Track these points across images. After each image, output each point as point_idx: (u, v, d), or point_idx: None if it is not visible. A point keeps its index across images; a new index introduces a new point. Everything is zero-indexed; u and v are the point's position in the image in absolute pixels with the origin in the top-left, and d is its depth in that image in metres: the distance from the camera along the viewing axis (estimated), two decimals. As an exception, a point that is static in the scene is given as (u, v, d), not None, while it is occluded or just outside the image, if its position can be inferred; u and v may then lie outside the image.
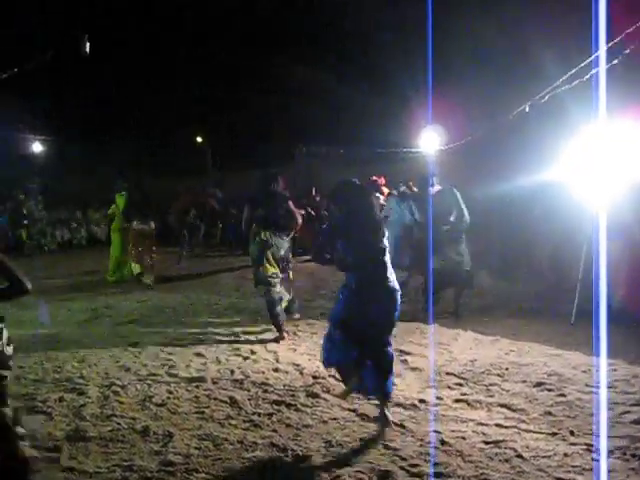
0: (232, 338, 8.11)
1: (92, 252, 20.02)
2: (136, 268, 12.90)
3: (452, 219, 8.88)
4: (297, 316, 8.87)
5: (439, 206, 8.88)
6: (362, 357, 5.10)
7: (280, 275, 8.18)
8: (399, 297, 5.19)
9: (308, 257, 16.17)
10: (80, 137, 25.39)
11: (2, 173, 24.65)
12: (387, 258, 5.19)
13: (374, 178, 16.76)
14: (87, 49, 11.47)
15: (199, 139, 31.24)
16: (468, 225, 9.01)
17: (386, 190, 15.98)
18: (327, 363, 5.39)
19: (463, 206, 8.96)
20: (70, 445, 4.73)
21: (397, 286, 5.19)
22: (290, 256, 8.54)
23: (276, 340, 7.93)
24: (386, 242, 5.26)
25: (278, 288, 8.12)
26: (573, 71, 8.20)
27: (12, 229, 22.32)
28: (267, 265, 8.04)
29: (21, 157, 24.22)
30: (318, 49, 25.27)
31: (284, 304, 8.21)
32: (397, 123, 19.04)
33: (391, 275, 5.18)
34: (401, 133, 18.46)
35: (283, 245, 8.24)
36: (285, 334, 8.10)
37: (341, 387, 5.92)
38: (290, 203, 8.37)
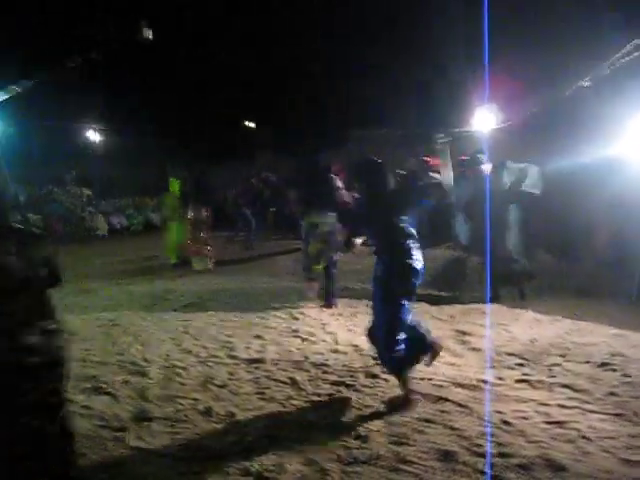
0: (290, 320, 8.17)
1: (149, 238, 20.34)
2: (195, 261, 13.16)
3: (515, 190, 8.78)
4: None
5: (496, 184, 8.76)
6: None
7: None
8: (418, 277, 5.11)
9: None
10: (136, 125, 25.69)
11: (62, 163, 25.26)
12: (410, 240, 5.11)
13: (426, 158, 16.64)
14: (149, 35, 11.52)
15: (251, 124, 31.39)
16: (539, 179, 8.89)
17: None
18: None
19: (523, 168, 8.84)
20: (136, 425, 4.84)
21: (419, 265, 5.09)
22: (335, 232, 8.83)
23: (326, 306, 8.62)
24: (408, 223, 5.17)
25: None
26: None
27: (68, 216, 22.83)
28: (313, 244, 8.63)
29: (80, 146, 24.66)
30: (369, 29, 25.06)
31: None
32: (451, 103, 18.80)
33: (415, 256, 5.08)
34: (456, 113, 18.23)
35: (327, 221, 8.74)
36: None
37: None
38: (337, 181, 8.59)
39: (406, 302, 5.04)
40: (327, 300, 8.94)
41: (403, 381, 5.10)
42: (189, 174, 15.69)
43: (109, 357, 6.82)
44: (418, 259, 5.09)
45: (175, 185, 13.93)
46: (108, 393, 5.63)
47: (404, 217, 5.16)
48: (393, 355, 5.01)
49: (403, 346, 5.02)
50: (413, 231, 5.17)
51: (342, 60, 25.12)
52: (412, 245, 5.10)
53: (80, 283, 11.59)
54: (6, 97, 11.99)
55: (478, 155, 9.06)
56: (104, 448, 4.48)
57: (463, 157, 11.85)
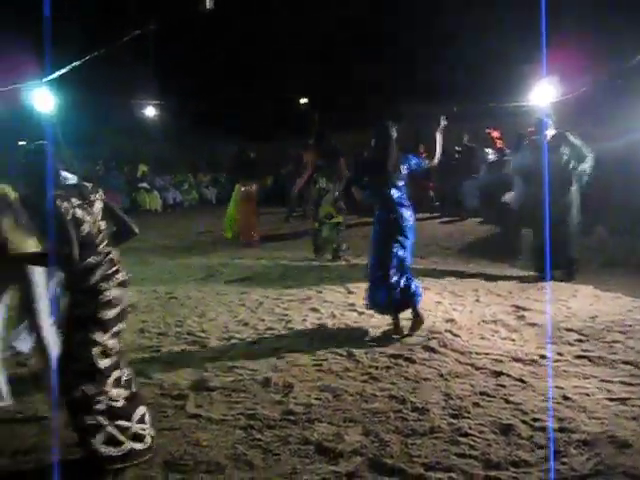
0: (346, 294, 8.18)
1: (203, 213, 20.51)
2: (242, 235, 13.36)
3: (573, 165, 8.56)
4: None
5: (554, 153, 8.53)
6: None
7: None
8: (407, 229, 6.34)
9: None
10: (191, 102, 25.83)
11: (119, 139, 25.59)
12: (397, 195, 6.31)
13: (488, 130, 16.45)
14: (211, 4, 11.50)
15: (304, 100, 31.31)
16: (591, 167, 8.63)
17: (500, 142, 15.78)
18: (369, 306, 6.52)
19: (582, 146, 8.60)
20: (195, 394, 4.91)
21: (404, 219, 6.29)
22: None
23: None
24: (397, 184, 6.35)
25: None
26: None
27: (128, 191, 23.16)
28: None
29: (136, 122, 24.90)
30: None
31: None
32: (509, 77, 18.49)
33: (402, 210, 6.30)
34: (514, 86, 17.93)
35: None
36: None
37: (458, 342, 5.92)
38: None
39: (398, 249, 6.23)
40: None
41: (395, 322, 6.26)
42: (239, 150, 15.82)
43: (167, 328, 6.94)
44: (405, 217, 6.29)
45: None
46: (167, 362, 5.73)
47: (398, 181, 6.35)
48: (390, 291, 6.17)
49: (397, 286, 6.18)
50: (399, 194, 6.34)
51: (400, 32, 24.85)
52: (399, 204, 6.30)
53: (136, 256, 11.78)
54: (63, 72, 12.17)
55: (542, 119, 8.86)
56: (164, 415, 4.57)
57: (530, 129, 11.69)
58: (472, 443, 3.92)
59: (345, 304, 7.61)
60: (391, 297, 6.19)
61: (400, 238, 6.26)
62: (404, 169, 6.38)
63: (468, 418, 4.27)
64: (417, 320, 6.28)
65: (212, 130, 27.05)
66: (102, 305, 3.74)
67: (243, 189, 13.47)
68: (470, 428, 4.11)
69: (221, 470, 3.74)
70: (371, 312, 7.11)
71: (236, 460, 3.84)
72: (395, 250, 6.22)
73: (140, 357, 5.93)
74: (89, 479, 3.78)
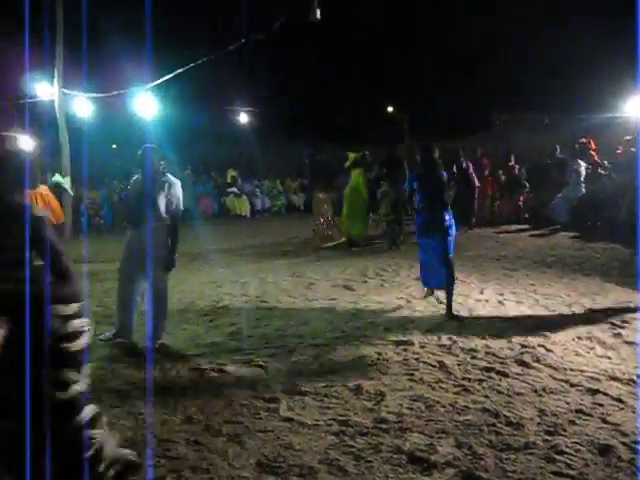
0: (436, 303, 8.12)
1: (291, 219, 20.70)
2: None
3: None
4: None
5: None
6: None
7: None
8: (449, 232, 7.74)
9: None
10: (282, 109, 26.18)
11: (208, 144, 26.13)
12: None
13: (583, 140, 16.11)
14: (318, 15, 11.63)
15: (390, 108, 31.30)
16: None
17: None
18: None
19: None
20: (287, 397, 4.97)
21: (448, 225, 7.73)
22: None
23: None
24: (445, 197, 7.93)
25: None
26: None
27: (217, 196, 23.60)
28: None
29: (227, 128, 25.38)
30: (516, 14, 24.33)
31: None
32: (602, 88, 18.08)
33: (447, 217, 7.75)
34: (607, 98, 17.52)
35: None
36: None
37: (552, 358, 5.81)
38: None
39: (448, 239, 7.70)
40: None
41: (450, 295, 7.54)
42: (311, 157, 16.44)
43: (257, 331, 7.03)
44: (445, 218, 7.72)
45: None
46: (259, 366, 5.82)
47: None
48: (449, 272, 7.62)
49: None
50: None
51: (488, 42, 24.57)
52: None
53: (226, 260, 12.03)
54: (164, 80, 12.55)
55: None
56: (257, 417, 4.64)
57: (627, 137, 11.50)
58: (569, 462, 3.84)
59: (436, 315, 7.56)
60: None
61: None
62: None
63: (564, 436, 4.18)
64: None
65: (304, 136, 27.32)
66: None
67: (320, 196, 14.01)
68: (566, 446, 4.02)
69: (314, 474, 3.77)
70: (462, 323, 7.08)
71: (329, 465, 3.87)
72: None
73: (232, 359, 6.04)
74: (177, 476, 3.86)
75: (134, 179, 6.78)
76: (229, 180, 24.90)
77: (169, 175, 6.63)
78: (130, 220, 6.77)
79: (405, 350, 6.13)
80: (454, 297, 7.61)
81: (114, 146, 28.28)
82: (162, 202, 6.40)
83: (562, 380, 5.24)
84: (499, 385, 5.15)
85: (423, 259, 8.18)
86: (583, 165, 15.81)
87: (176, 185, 6.56)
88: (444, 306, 7.86)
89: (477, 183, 16.79)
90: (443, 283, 7.71)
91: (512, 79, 24.44)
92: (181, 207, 6.60)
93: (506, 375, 5.36)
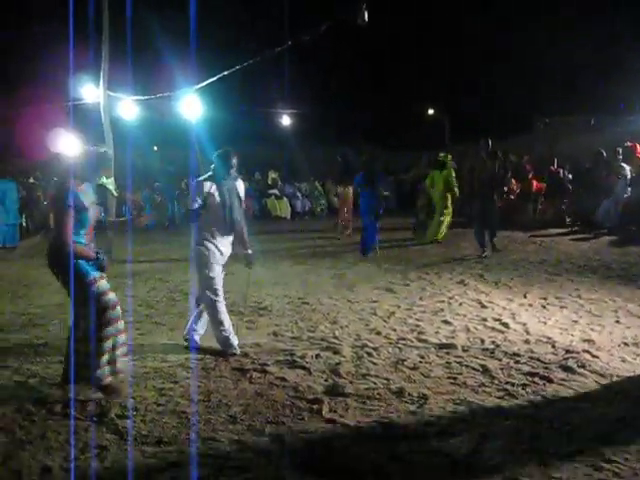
0: (479, 308, 8.07)
1: (331, 221, 20.69)
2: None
3: None
4: None
5: None
6: None
7: None
8: None
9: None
10: (323, 110, 26.23)
11: (249, 146, 26.29)
12: None
13: (628, 144, 15.89)
14: (365, 17, 11.65)
15: (431, 111, 31.16)
16: None
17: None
18: None
19: None
20: (330, 399, 4.97)
21: None
22: None
23: None
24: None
25: None
26: None
27: (258, 198, 23.74)
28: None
29: (268, 130, 25.52)
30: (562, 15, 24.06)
31: None
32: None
33: None
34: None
35: None
36: None
37: (597, 364, 5.72)
38: None
39: None
40: None
41: None
42: (341, 157, 17.12)
43: (300, 333, 7.06)
44: None
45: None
46: (301, 367, 5.83)
47: None
48: None
49: None
50: None
51: (533, 43, 24.33)
52: None
53: (267, 261, 12.08)
54: (209, 82, 12.64)
55: None
56: (300, 417, 4.65)
57: (629, 143, 11.58)
58: (616, 470, 3.77)
59: (478, 318, 7.50)
60: None
61: None
62: None
63: (611, 444, 4.11)
64: None
65: (345, 138, 27.34)
66: None
67: (340, 189, 16.25)
68: (613, 455, 3.95)
69: (357, 477, 3.76)
70: (504, 327, 7.02)
71: (372, 468, 3.85)
72: None
73: (274, 360, 6.06)
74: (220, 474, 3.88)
75: (214, 188, 6.28)
76: (270, 182, 25.02)
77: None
78: (228, 226, 6.35)
79: (448, 353, 6.10)
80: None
81: (155, 148, 28.60)
82: (237, 204, 6.40)
83: (608, 386, 5.16)
84: (543, 390, 5.09)
85: None
86: (628, 169, 15.56)
87: (242, 183, 6.60)
88: (487, 309, 7.83)
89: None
90: None
91: (557, 81, 24.16)
92: (243, 205, 6.57)
93: (550, 380, 5.30)
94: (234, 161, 6.36)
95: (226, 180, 6.29)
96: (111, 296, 5.28)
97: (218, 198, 6.22)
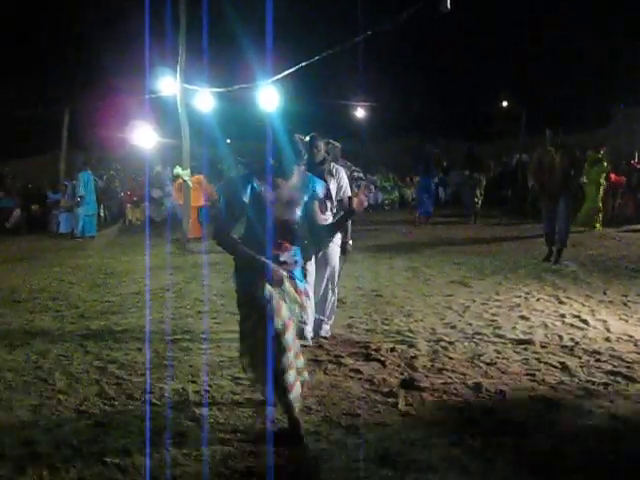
0: (557, 303, 7.89)
1: (404, 214, 20.61)
2: None
3: None
4: None
5: None
6: None
7: None
8: None
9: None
10: (397, 102, 26.10)
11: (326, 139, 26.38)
12: None
13: None
14: (448, 5, 11.49)
15: (505, 103, 30.63)
16: None
17: None
18: None
19: None
20: (405, 392, 4.93)
21: None
22: None
23: None
24: None
25: None
26: None
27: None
28: None
29: (344, 122, 25.51)
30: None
31: None
32: None
33: None
34: None
35: None
36: None
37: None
38: None
39: None
40: None
41: None
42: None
43: (374, 325, 7.05)
44: None
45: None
46: (376, 359, 5.80)
47: None
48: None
49: None
50: None
51: (610, 34, 23.64)
52: None
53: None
54: (286, 73, 12.69)
55: None
56: (376, 410, 4.63)
57: None
58: None
59: (556, 314, 7.34)
60: None
61: None
62: None
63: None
64: None
65: (420, 130, 27.20)
66: None
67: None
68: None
69: (434, 471, 3.72)
70: (584, 324, 6.84)
71: (449, 463, 3.81)
72: None
73: (349, 352, 6.06)
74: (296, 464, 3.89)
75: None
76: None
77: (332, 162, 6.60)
78: None
79: (525, 350, 5.98)
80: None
81: (228, 141, 28.89)
82: (333, 188, 6.39)
83: (694, 387, 4.98)
84: (626, 390, 4.94)
85: None
86: None
87: (341, 170, 6.57)
88: (565, 306, 7.67)
89: None
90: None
91: (636, 71, 23.41)
92: (348, 193, 6.48)
93: (634, 380, 5.13)
94: (323, 145, 6.46)
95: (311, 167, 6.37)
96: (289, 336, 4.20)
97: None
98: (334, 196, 6.40)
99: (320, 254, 6.40)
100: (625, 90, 23.30)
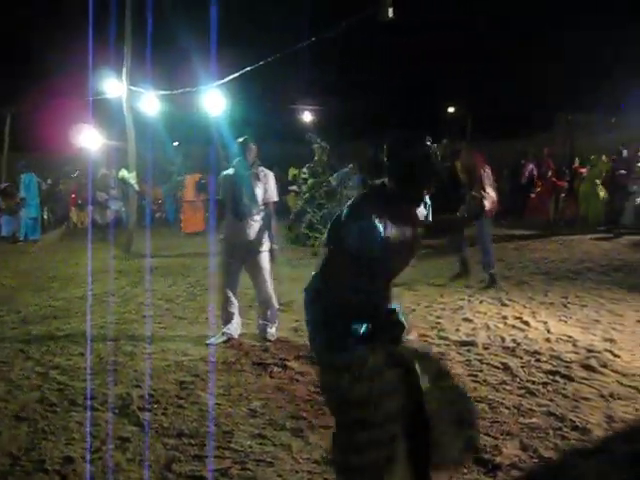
0: (499, 306, 8.04)
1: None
2: None
3: None
4: None
5: None
6: None
7: None
8: None
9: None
10: (343, 107, 26.22)
11: (268, 143, 26.34)
12: None
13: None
14: (390, 13, 11.60)
15: (451, 109, 31.08)
16: None
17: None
18: None
19: None
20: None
21: None
22: None
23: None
24: None
25: None
26: None
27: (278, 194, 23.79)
28: None
29: (291, 127, 25.57)
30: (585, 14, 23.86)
31: None
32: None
33: None
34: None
35: None
36: None
37: (619, 363, 5.69)
38: None
39: None
40: None
41: None
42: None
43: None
44: None
45: None
46: (320, 362, 5.83)
47: None
48: None
49: None
50: None
51: (551, 40, 24.16)
52: None
53: (286, 254, 12.15)
54: (231, 78, 12.68)
55: None
56: (320, 412, 4.63)
57: None
58: (638, 469, 3.76)
59: (499, 316, 7.48)
60: None
61: None
62: None
63: (633, 442, 4.10)
64: None
65: (366, 135, 27.40)
66: None
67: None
68: (635, 453, 3.93)
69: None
70: (525, 326, 6.98)
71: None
72: None
73: (295, 355, 6.08)
74: (241, 468, 3.90)
75: (225, 174, 6.70)
76: (290, 178, 25.03)
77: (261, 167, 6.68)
78: (233, 214, 6.56)
79: (468, 351, 6.08)
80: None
81: (176, 143, 28.71)
82: (260, 192, 6.48)
83: (630, 386, 5.11)
84: (564, 389, 5.06)
85: None
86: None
87: (270, 175, 6.65)
88: (508, 307, 7.81)
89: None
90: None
91: (579, 78, 23.97)
92: (275, 198, 6.64)
93: (571, 379, 5.27)
94: (253, 149, 6.55)
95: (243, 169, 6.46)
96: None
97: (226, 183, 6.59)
98: (260, 200, 6.46)
99: (251, 261, 6.48)
100: (571, 98, 23.84)
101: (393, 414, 2.84)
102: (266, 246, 6.60)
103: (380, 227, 2.92)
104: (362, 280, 3.02)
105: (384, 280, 3.19)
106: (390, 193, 3.04)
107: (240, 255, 6.52)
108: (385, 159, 3.04)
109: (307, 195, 10.12)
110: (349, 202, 3.07)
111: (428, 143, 3.03)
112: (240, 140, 6.57)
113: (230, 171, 6.64)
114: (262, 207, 6.52)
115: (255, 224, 6.48)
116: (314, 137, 10.78)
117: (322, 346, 3.11)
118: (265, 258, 6.60)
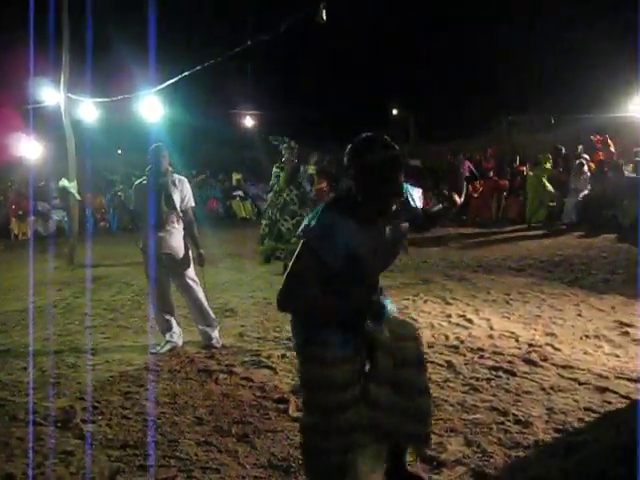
0: (443, 304, 8.13)
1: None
2: None
3: None
4: None
5: None
6: None
7: None
8: None
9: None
10: (285, 110, 26.19)
11: (212, 148, 26.23)
12: None
13: (592, 138, 16.35)
14: (324, 17, 11.67)
15: (395, 111, 31.33)
16: None
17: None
18: None
19: None
20: (296, 398, 4.97)
21: None
22: None
23: None
24: None
25: None
26: None
27: (223, 199, 23.64)
28: None
29: (233, 132, 25.47)
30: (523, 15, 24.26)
31: None
32: (605, 87, 18.06)
33: None
34: (617, 97, 17.52)
35: None
36: None
37: (559, 356, 5.81)
38: None
39: None
40: None
41: None
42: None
43: (266, 333, 7.06)
44: None
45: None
46: (268, 366, 5.84)
47: None
48: None
49: None
50: None
51: (493, 44, 24.48)
52: None
53: (233, 262, 12.09)
54: (170, 83, 12.58)
55: None
56: (267, 417, 4.66)
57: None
58: (578, 459, 3.84)
59: (443, 314, 7.56)
60: None
61: None
62: None
63: (573, 434, 4.19)
64: None
65: (310, 138, 27.45)
66: None
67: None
68: (575, 444, 4.03)
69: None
70: (468, 324, 7.09)
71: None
72: None
73: (240, 360, 6.06)
74: (187, 476, 3.88)
75: (138, 183, 6.60)
76: (234, 183, 24.96)
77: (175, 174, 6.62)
78: (151, 223, 6.40)
79: (413, 350, 6.13)
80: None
81: (119, 151, 28.40)
82: (177, 199, 6.40)
83: (570, 379, 5.23)
84: (507, 384, 5.15)
85: None
86: (587, 163, 15.96)
87: (185, 181, 6.58)
88: (451, 306, 7.91)
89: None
90: None
91: (519, 80, 24.38)
92: (192, 203, 6.58)
93: (514, 374, 5.37)
94: (166, 155, 6.48)
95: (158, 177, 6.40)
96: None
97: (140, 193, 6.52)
98: (178, 207, 6.41)
99: (177, 271, 6.45)
100: (511, 99, 24.22)
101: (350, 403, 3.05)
102: (190, 253, 6.53)
103: (343, 237, 2.87)
104: (335, 288, 2.99)
105: (360, 285, 3.10)
106: (353, 201, 2.94)
107: (164, 264, 6.42)
108: (346, 162, 2.92)
109: (280, 199, 9.98)
110: (315, 210, 2.98)
111: (393, 145, 2.92)
112: (152, 147, 6.46)
113: (144, 180, 6.52)
114: (181, 214, 6.47)
115: (176, 232, 6.41)
116: (280, 138, 10.69)
117: (302, 339, 3.18)
118: (190, 267, 6.53)
